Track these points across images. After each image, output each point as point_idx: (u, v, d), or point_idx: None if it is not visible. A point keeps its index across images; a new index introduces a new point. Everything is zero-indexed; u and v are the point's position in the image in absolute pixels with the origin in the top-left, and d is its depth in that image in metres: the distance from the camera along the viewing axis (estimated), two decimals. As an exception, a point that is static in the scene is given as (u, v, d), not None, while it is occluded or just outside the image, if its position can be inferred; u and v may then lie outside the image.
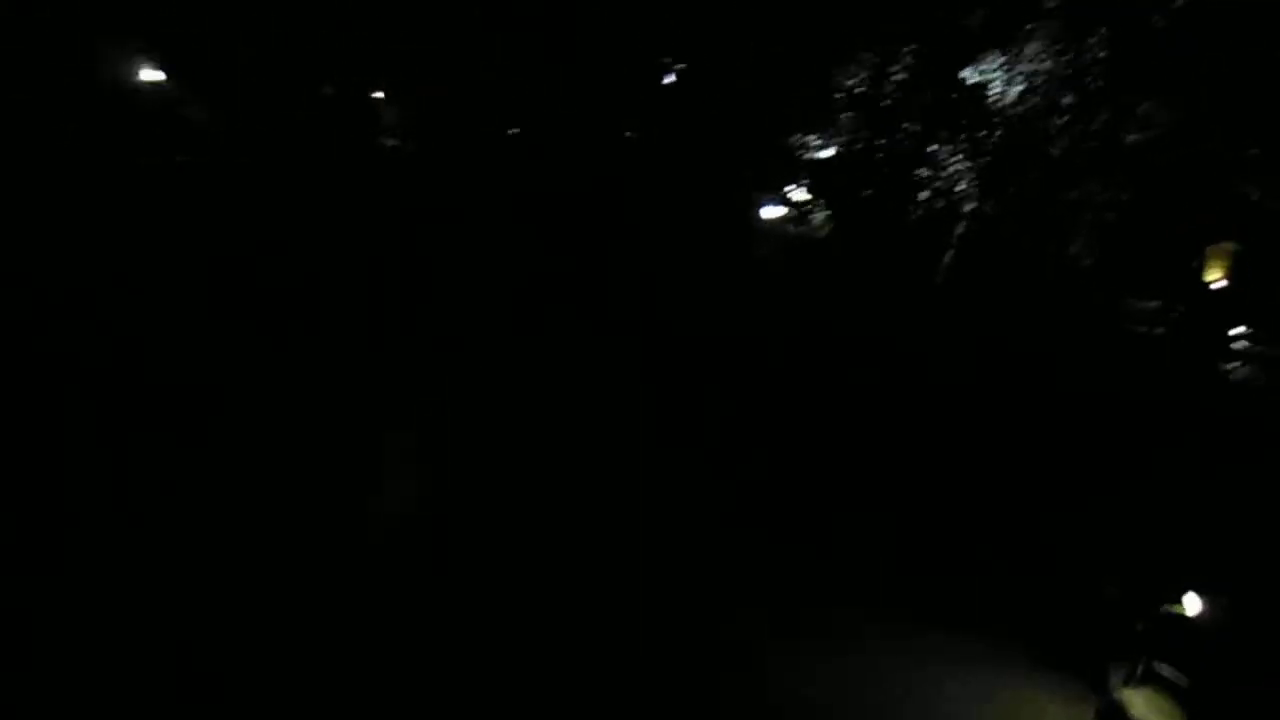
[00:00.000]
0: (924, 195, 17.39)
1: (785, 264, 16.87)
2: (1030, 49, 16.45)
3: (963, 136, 17.05)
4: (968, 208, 17.22)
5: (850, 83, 16.55)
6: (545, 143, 16.33)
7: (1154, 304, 19.04)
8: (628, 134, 17.45)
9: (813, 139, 17.20)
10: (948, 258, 17.60)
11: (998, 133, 16.90)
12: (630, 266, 15.40)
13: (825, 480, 9.33)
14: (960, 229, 17.35)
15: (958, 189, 17.18)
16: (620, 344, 12.06)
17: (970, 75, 16.66)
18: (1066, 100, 16.67)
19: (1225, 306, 19.71)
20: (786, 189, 17.36)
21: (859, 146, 17.09)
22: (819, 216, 17.24)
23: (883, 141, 17.03)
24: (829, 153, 17.27)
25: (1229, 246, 19.73)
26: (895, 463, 10.28)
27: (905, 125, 17.13)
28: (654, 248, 16.36)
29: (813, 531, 8.19)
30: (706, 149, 17.27)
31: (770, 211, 17.33)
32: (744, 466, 9.22)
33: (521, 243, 14.51)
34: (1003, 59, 16.51)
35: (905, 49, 16.70)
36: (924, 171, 17.28)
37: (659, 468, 8.55)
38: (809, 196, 17.31)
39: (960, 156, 17.09)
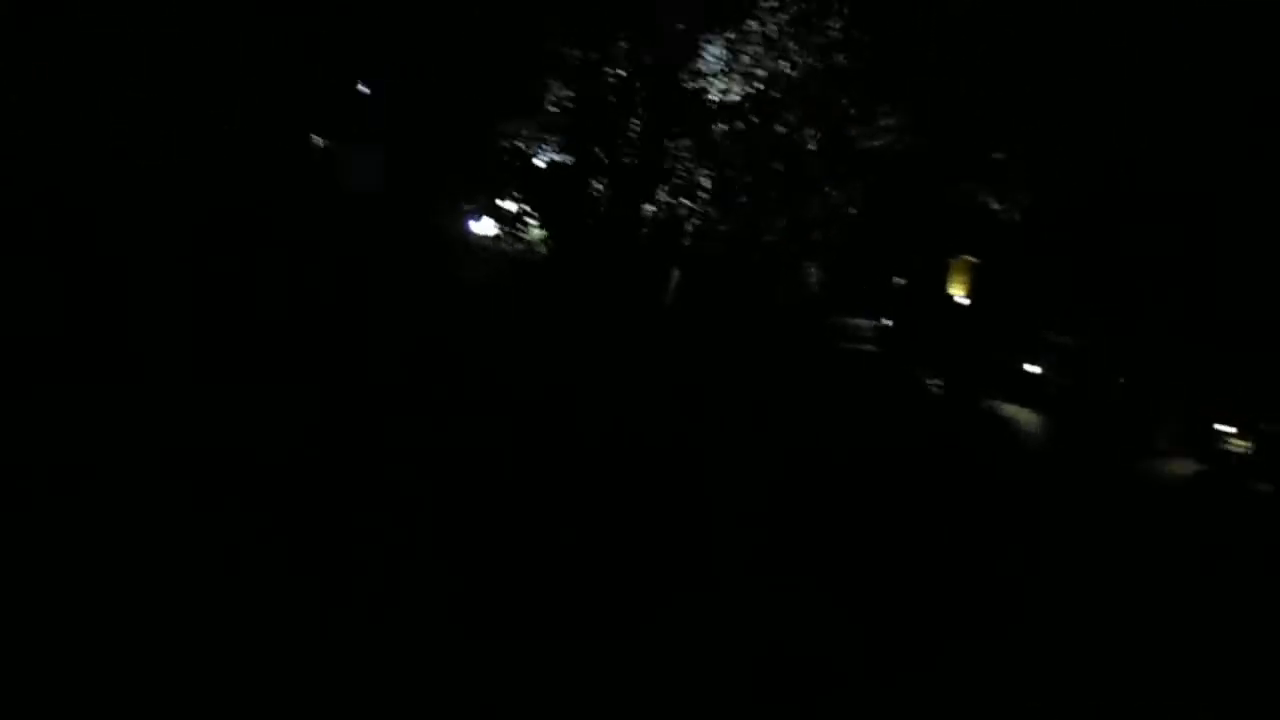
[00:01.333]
0: (649, 208, 15.97)
1: (494, 285, 15.17)
2: (751, 48, 15.13)
3: (686, 142, 15.67)
4: (694, 222, 15.89)
5: (558, 84, 14.95)
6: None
7: (873, 323, 18.45)
8: (320, 142, 15.44)
9: (526, 145, 15.56)
10: (675, 277, 16.27)
11: (723, 138, 15.58)
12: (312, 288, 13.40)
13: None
14: (686, 244, 16.03)
15: (682, 200, 15.81)
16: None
17: (688, 77, 15.26)
18: (791, 104, 15.45)
19: (964, 320, 19.20)
20: (499, 201, 15.71)
21: (574, 153, 15.53)
22: (533, 232, 15.63)
23: (599, 149, 15.52)
24: (544, 161, 15.66)
25: (969, 260, 19.23)
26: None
27: (626, 129, 15.65)
28: (342, 266, 14.36)
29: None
30: (405, 158, 15.39)
31: (480, 226, 15.64)
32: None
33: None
34: (722, 57, 15.14)
35: (619, 44, 15.16)
36: (648, 181, 15.89)
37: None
38: (523, 209, 15.68)
39: (685, 163, 15.72)
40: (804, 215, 16.07)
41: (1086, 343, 21.11)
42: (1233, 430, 17.34)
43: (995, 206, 14.84)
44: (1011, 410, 19.68)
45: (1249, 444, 17.05)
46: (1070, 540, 10.97)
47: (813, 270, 16.37)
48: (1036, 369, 22.25)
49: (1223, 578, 10.36)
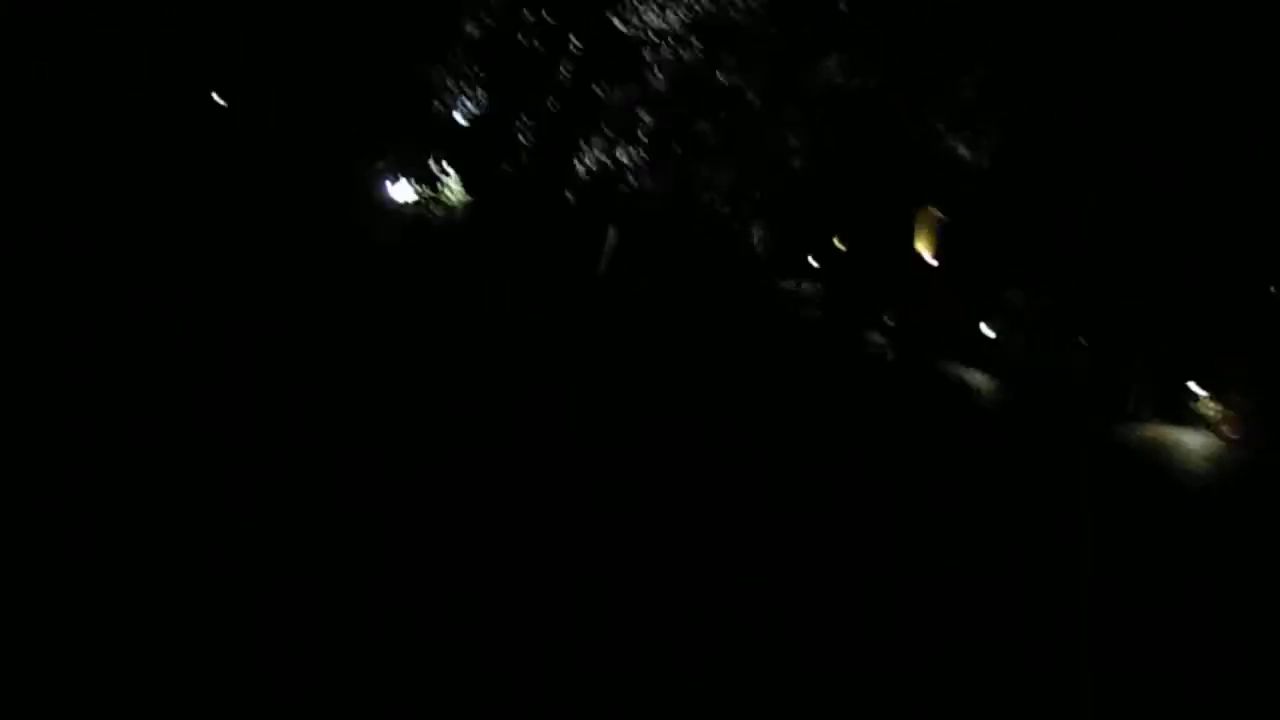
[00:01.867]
0: (581, 164, 14.45)
1: (406, 254, 13.64)
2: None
3: (620, 90, 14.12)
4: (630, 179, 14.41)
5: (474, 29, 13.28)
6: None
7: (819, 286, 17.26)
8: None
9: (443, 97, 13.90)
10: (611, 239, 14.82)
11: (658, 83, 14.04)
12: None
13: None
14: (622, 203, 14.57)
15: (617, 153, 14.31)
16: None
17: (623, 19, 13.67)
18: (731, 41, 13.92)
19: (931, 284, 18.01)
20: (417, 159, 14.09)
21: (497, 104, 13.92)
22: (454, 193, 14.04)
23: (524, 98, 13.92)
24: (464, 115, 14.03)
25: (935, 213, 17.96)
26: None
27: (553, 75, 14.03)
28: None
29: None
30: (312, 114, 13.68)
31: (397, 189, 14.02)
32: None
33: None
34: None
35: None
36: (578, 137, 14.35)
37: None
38: (443, 168, 14.07)
39: (619, 112, 14.19)
40: (746, 168, 14.64)
41: (1051, 302, 20.10)
42: (1206, 393, 16.42)
43: (963, 152, 13.47)
44: (968, 376, 18.66)
45: (1223, 408, 16.13)
46: (1035, 524, 9.87)
47: (756, 229, 14.97)
48: (992, 332, 21.24)
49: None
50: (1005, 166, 13.93)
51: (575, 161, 14.24)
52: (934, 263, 16.03)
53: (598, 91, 14.05)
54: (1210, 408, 16.25)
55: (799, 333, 18.79)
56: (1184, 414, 16.61)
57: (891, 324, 20.41)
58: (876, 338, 19.60)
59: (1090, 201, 15.31)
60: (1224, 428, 15.96)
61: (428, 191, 14.22)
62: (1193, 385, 16.46)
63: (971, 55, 13.15)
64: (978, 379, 18.75)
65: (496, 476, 6.50)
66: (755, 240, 16.25)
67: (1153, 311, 17.53)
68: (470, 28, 13.59)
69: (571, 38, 13.83)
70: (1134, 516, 11.02)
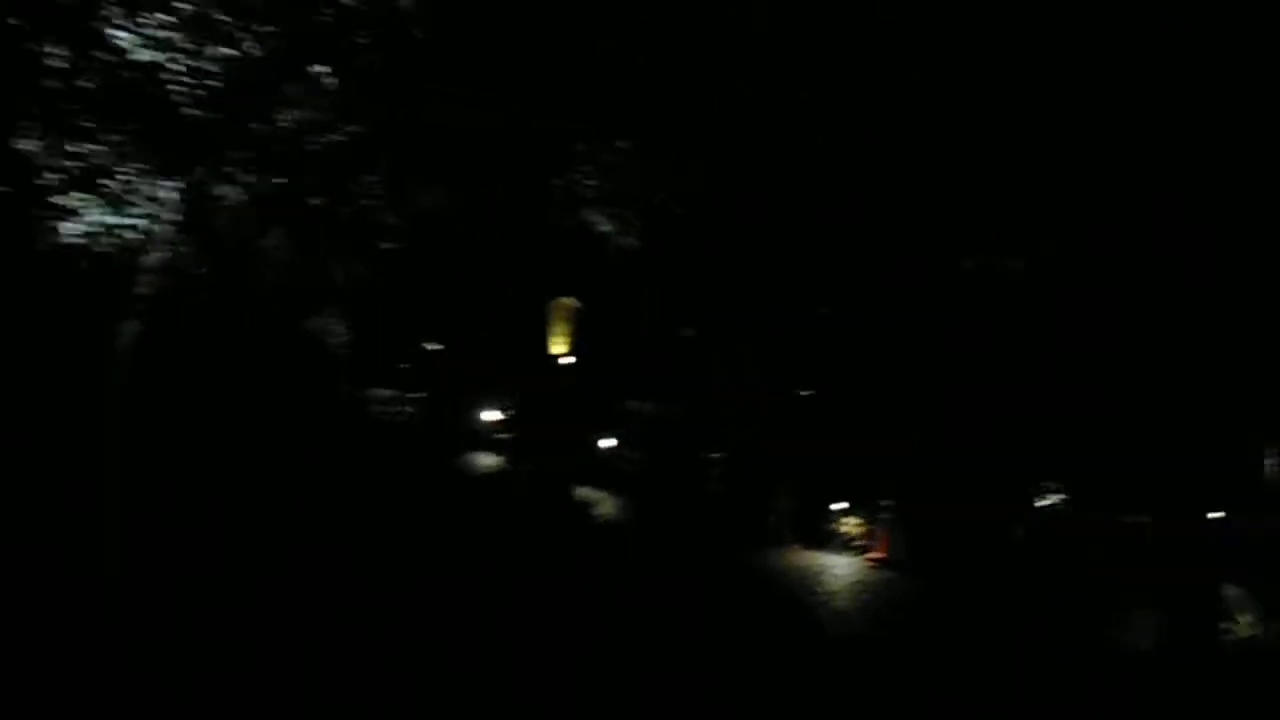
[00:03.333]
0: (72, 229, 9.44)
1: None
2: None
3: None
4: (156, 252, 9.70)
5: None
6: None
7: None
8: None
9: None
10: (127, 336, 9.87)
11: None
12: None
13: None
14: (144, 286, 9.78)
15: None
16: None
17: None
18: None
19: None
20: None
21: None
22: None
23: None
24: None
25: (569, 304, 15.65)
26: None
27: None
28: None
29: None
30: None
31: None
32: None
33: None
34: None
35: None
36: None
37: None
38: None
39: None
40: (320, 247, 10.86)
41: (674, 410, 18.41)
42: (845, 506, 15.39)
43: (606, 229, 10.91)
44: (587, 495, 16.16)
45: (864, 524, 15.17)
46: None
47: (335, 323, 11.18)
48: (612, 442, 19.11)
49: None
50: (658, 249, 11.70)
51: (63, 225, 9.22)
52: (569, 360, 13.35)
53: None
54: (852, 526, 15.19)
55: (385, 449, 15.61)
56: (825, 536, 15.39)
57: (507, 436, 17.29)
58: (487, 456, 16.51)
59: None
60: (867, 547, 14.91)
61: None
62: (833, 505, 15.36)
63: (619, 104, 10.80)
64: (604, 500, 16.22)
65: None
66: (335, 337, 12.54)
67: (790, 429, 16.46)
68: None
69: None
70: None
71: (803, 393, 17.37)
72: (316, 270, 11.94)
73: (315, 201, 11.50)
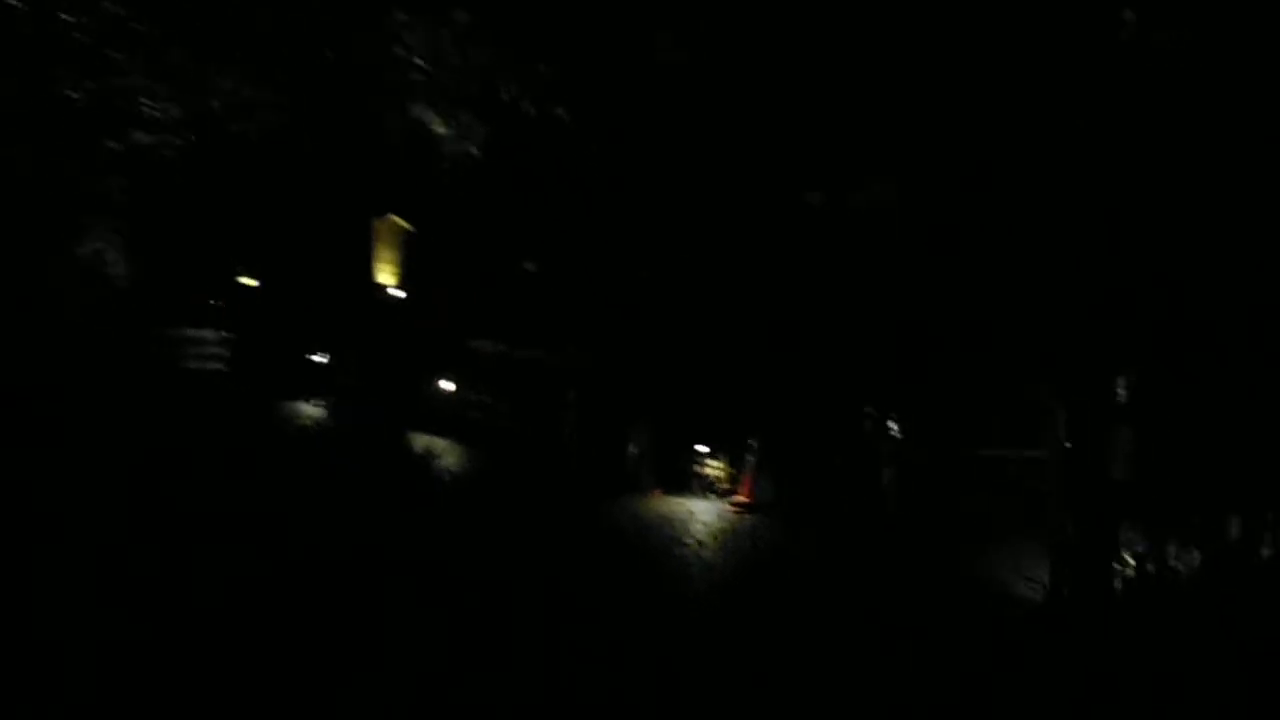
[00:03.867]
0: None
1: None
2: None
3: None
4: None
5: None
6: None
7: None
8: None
9: None
10: None
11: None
12: None
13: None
14: None
15: None
16: None
17: None
18: None
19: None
20: None
21: None
22: None
23: None
24: None
25: (398, 223, 13.52)
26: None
27: None
28: None
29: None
30: None
31: None
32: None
33: None
34: None
35: None
36: None
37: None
38: None
39: None
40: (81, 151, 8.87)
41: (521, 350, 16.93)
42: (707, 450, 14.45)
43: (440, 131, 9.12)
44: (427, 445, 14.65)
45: (728, 466, 14.28)
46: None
47: (110, 251, 9.11)
48: (452, 386, 17.49)
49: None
50: (500, 158, 9.98)
51: None
52: (399, 296, 11.54)
53: None
54: (716, 469, 14.28)
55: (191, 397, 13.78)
56: (687, 479, 14.41)
57: (331, 380, 15.42)
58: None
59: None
60: (731, 491, 14.04)
61: None
62: (696, 446, 14.37)
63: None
64: (446, 450, 14.66)
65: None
66: (112, 267, 10.62)
67: (646, 365, 15.27)
68: None
69: None
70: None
71: (658, 330, 16.14)
72: (78, 182, 9.74)
73: (73, 95, 9.24)
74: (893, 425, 14.05)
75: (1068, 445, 14.82)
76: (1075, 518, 9.55)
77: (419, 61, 7.93)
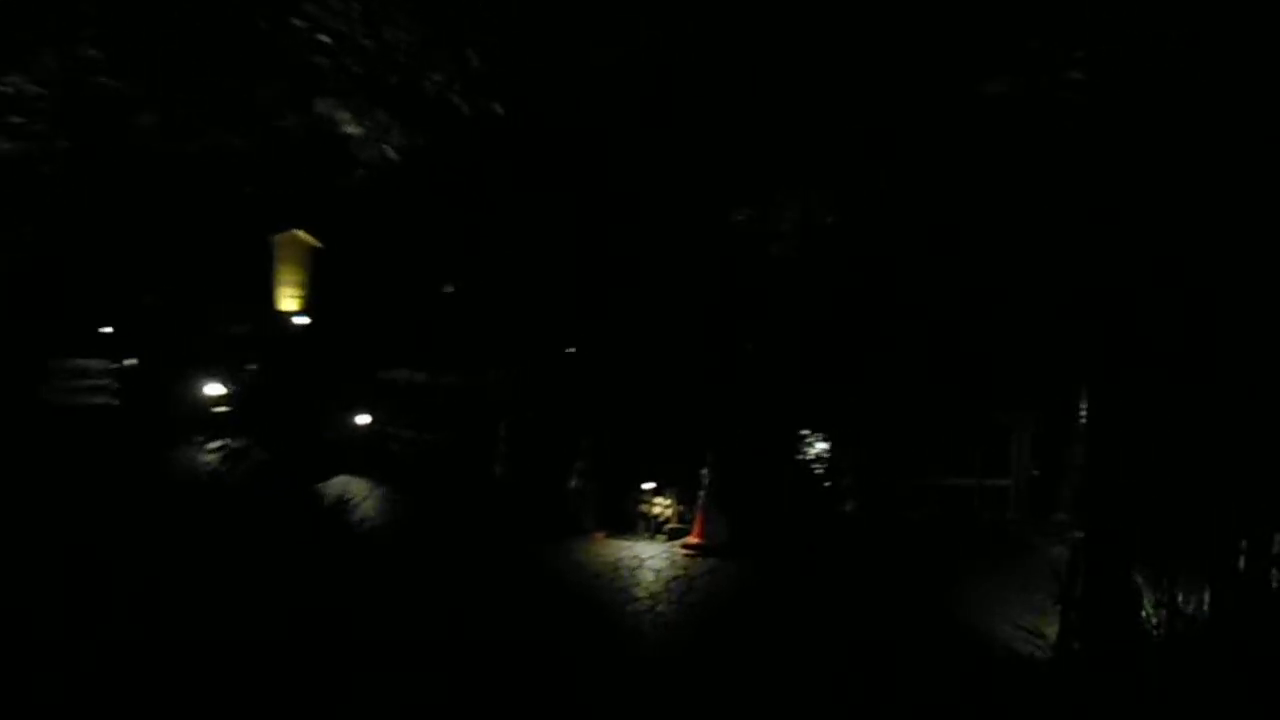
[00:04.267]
0: None
1: None
2: None
3: None
4: None
5: None
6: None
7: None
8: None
9: None
10: None
11: None
12: None
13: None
14: None
15: None
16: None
17: None
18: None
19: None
20: None
21: None
22: None
23: None
24: None
25: (304, 239, 11.77)
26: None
27: None
28: None
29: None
30: None
31: None
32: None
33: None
34: None
35: None
36: None
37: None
38: None
39: None
40: None
41: (447, 378, 15.49)
42: (654, 487, 13.19)
43: (351, 131, 7.75)
44: (346, 486, 13.20)
45: (678, 504, 13.04)
46: None
47: None
48: (368, 419, 15.89)
49: None
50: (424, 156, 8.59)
51: None
52: (303, 323, 9.98)
53: None
54: (664, 507, 13.02)
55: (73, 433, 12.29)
56: (633, 519, 13.12)
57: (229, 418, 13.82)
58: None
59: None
60: (680, 530, 12.81)
61: None
62: (642, 483, 13.09)
63: None
64: (364, 494, 13.14)
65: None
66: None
67: (586, 394, 13.98)
68: None
69: None
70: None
71: (598, 355, 14.91)
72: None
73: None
74: (852, 455, 13.11)
75: (1035, 473, 14.27)
76: (1087, 560, 8.65)
77: (324, 39, 6.56)
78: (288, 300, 9.58)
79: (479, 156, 9.45)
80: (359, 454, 14.61)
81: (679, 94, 11.58)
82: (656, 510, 12.94)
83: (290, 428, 13.04)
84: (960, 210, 13.56)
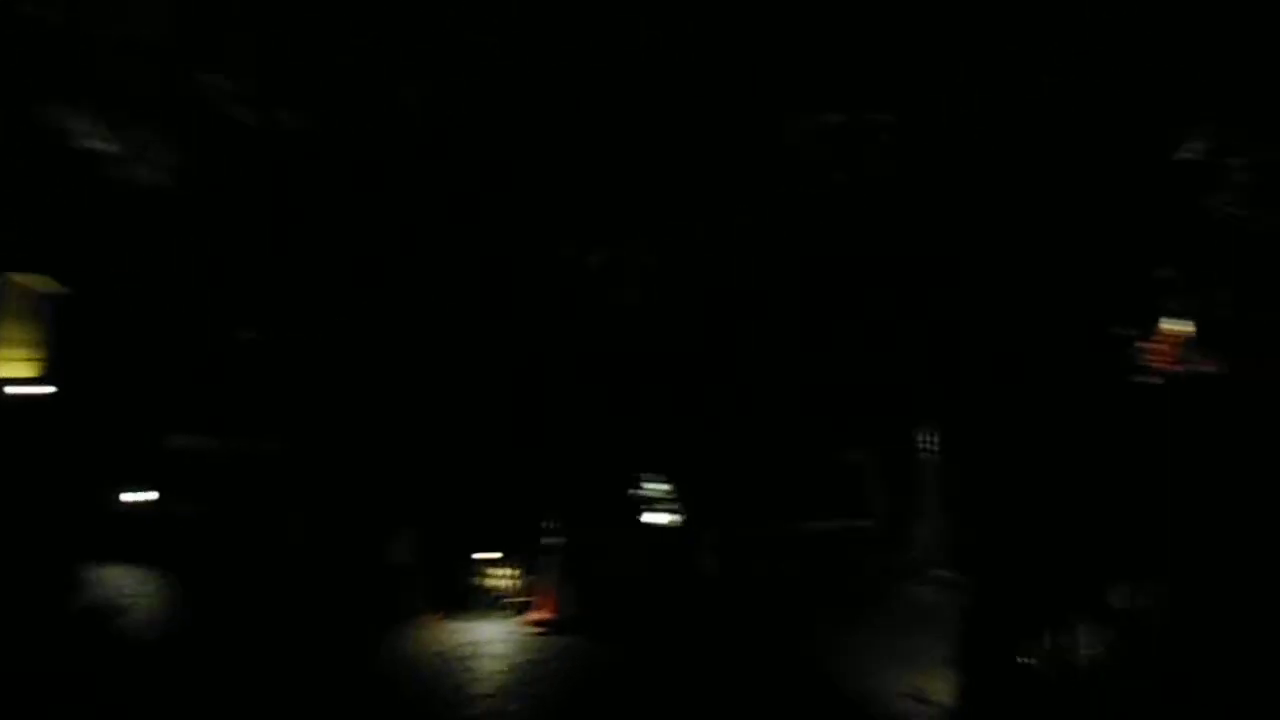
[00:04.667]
0: None
1: None
2: None
3: None
4: None
5: None
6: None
7: None
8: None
9: None
10: None
11: None
12: None
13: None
14: None
15: None
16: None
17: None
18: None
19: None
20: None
21: None
22: None
23: None
24: None
25: (39, 286, 9.20)
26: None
27: None
28: None
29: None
30: None
31: None
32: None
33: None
34: None
35: None
36: None
37: None
38: None
39: None
40: None
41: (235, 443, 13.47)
42: (492, 557, 11.68)
43: (101, 147, 5.98)
44: (119, 580, 11.25)
45: (520, 574, 11.58)
46: None
47: None
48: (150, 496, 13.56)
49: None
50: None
51: None
52: (44, 391, 7.91)
53: None
54: (505, 578, 11.51)
55: None
56: (468, 595, 11.52)
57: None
58: None
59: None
60: (525, 605, 11.35)
61: None
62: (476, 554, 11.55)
63: None
64: (135, 581, 11.12)
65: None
66: None
67: (405, 454, 12.30)
68: None
69: None
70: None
71: (418, 409, 13.35)
72: None
73: None
74: (708, 504, 12.17)
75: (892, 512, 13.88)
76: (972, 612, 8.02)
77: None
78: (13, 366, 7.51)
79: (281, 179, 7.82)
80: (137, 537, 12.30)
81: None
82: (496, 582, 11.44)
83: (44, 515, 10.70)
84: (792, 247, 13.07)
